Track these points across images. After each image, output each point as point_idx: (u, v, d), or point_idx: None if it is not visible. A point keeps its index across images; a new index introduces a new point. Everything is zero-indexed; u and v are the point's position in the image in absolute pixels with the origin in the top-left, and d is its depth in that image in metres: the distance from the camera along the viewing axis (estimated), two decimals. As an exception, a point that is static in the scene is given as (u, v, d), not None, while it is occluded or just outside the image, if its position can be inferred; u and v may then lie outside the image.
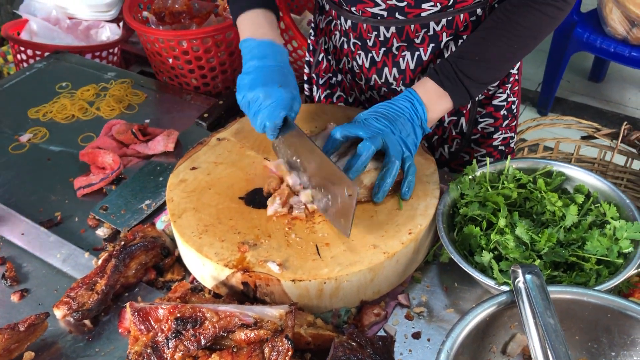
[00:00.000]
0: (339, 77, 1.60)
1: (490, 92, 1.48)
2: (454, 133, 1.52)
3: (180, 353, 0.94)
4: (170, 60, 1.84)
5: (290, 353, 0.91)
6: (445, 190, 1.20)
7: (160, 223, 1.29)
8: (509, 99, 1.50)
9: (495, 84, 1.45)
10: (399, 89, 1.46)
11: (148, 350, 0.95)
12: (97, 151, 1.48)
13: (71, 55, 2.06)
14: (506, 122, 1.52)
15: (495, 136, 1.52)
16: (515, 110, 1.54)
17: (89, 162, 1.49)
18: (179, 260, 1.23)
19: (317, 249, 1.09)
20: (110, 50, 2.46)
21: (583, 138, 2.05)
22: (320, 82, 1.63)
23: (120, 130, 1.54)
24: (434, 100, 1.25)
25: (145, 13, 2.00)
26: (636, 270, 1.09)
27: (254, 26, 1.31)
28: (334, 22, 1.47)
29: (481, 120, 1.50)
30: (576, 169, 1.21)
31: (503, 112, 1.50)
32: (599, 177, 1.19)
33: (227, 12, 2.03)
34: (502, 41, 1.24)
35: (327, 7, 1.46)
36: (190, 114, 1.71)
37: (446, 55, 1.38)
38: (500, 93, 1.47)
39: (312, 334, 1.01)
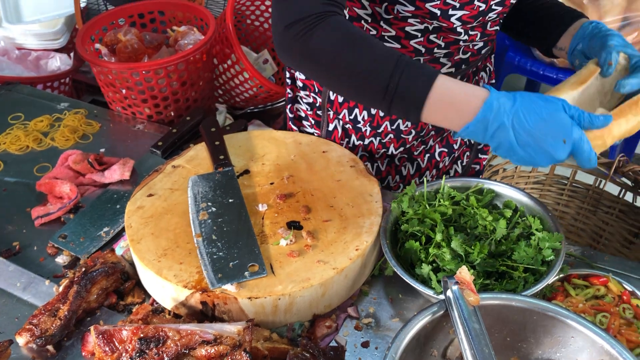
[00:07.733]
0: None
1: None
2: (463, 147, 1.60)
3: (144, 371, 1.00)
4: (124, 91, 1.89)
5: (248, 365, 0.98)
6: (388, 209, 1.30)
7: (119, 249, 1.34)
8: None
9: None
10: None
11: (113, 370, 1.00)
12: (54, 181, 1.51)
13: (22, 87, 2.08)
14: None
15: None
16: None
17: (46, 192, 1.53)
18: (138, 283, 1.28)
19: (272, 267, 1.17)
20: (62, 80, 2.48)
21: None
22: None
23: (76, 160, 1.58)
24: None
25: (97, 45, 2.04)
26: (557, 277, 1.21)
27: None
28: None
29: None
30: (504, 186, 1.34)
31: None
32: (524, 192, 1.32)
33: (177, 45, 2.09)
34: None
35: None
36: (144, 142, 1.76)
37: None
38: None
39: (269, 348, 1.08)
